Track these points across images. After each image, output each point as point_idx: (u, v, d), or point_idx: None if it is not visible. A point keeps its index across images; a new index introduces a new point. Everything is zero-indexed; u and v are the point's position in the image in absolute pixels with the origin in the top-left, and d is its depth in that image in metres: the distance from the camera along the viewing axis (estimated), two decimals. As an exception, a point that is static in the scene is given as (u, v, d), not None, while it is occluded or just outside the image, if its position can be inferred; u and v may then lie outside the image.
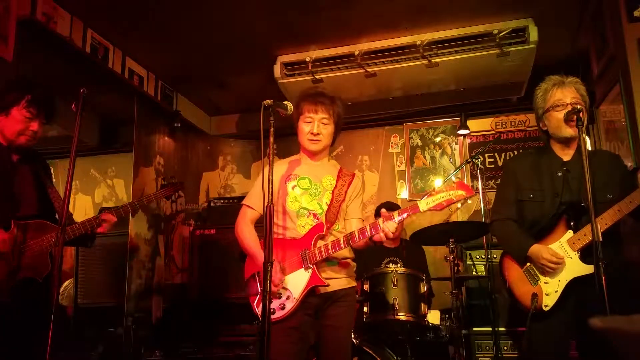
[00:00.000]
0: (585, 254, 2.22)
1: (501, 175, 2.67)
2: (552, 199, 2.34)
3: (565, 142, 2.39)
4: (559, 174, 2.35)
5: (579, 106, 2.24)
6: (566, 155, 2.40)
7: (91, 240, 2.60)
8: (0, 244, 2.20)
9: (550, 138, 2.45)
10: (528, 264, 2.34)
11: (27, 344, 2.06)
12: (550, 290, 2.26)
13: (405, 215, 2.13)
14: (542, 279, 2.29)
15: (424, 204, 2.09)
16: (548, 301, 2.25)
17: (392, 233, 2.11)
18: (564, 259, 2.25)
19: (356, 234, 2.15)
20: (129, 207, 2.60)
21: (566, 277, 2.24)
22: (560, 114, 2.33)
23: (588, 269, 2.17)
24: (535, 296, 2.25)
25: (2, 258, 2.22)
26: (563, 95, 2.35)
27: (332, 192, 2.34)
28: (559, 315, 2.24)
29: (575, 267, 2.24)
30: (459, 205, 2.23)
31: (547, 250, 2.26)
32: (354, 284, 2.38)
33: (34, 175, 2.49)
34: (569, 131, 2.32)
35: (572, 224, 2.28)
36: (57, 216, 2.48)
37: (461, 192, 2.06)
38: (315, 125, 2.32)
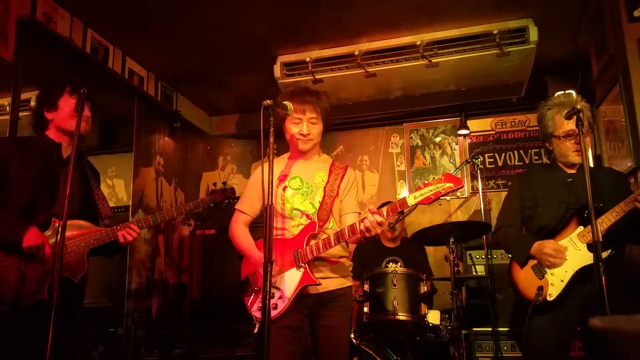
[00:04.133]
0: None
1: (508, 188, 2.75)
2: (558, 205, 2.42)
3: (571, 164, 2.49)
4: (566, 183, 2.45)
5: (579, 106, 2.25)
6: (571, 169, 2.50)
7: (116, 251, 2.54)
8: (38, 248, 2.17)
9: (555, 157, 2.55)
10: (534, 261, 2.38)
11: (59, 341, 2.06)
12: (556, 280, 2.30)
13: (395, 214, 2.11)
14: (549, 271, 2.33)
15: (412, 198, 2.07)
16: (552, 291, 2.29)
17: (377, 228, 2.06)
18: (566, 249, 2.31)
19: (346, 231, 2.13)
20: (168, 215, 2.53)
21: (573, 267, 2.28)
22: (570, 144, 2.42)
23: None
24: (540, 289, 2.29)
25: (39, 256, 2.21)
26: (573, 124, 2.36)
27: (324, 188, 2.32)
28: (563, 308, 2.27)
29: (582, 257, 2.28)
30: (448, 198, 2.22)
31: (550, 242, 2.34)
32: (349, 283, 2.36)
33: (81, 175, 2.48)
34: (576, 159, 2.43)
35: (584, 220, 2.34)
36: (100, 218, 2.47)
37: (449, 185, 2.03)
38: (304, 126, 2.30)
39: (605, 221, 2.24)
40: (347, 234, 2.13)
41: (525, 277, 2.40)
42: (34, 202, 2.29)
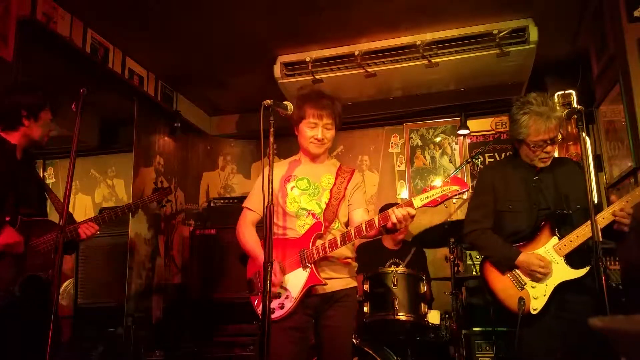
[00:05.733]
0: (571, 259, 2.30)
1: (476, 184, 2.72)
2: (530, 209, 2.42)
3: None
4: (533, 184, 2.45)
5: (578, 107, 2.26)
6: (537, 168, 2.48)
7: (72, 248, 2.64)
8: (14, 245, 2.24)
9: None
10: (514, 269, 2.38)
11: (35, 340, 2.09)
12: (539, 294, 2.31)
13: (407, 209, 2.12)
14: (529, 283, 2.33)
15: (418, 201, 2.08)
16: (537, 305, 2.30)
17: (408, 220, 2.06)
18: (551, 263, 2.31)
19: (352, 232, 2.15)
20: (113, 214, 2.64)
21: (553, 281, 2.30)
22: (539, 152, 2.39)
23: (574, 273, 2.26)
24: (522, 300, 2.28)
25: (12, 255, 2.27)
26: (548, 135, 2.34)
27: (331, 190, 2.34)
28: (545, 319, 2.29)
29: (562, 272, 2.30)
30: (454, 200, 2.23)
31: (536, 257, 2.32)
32: (354, 284, 2.37)
33: (35, 175, 2.57)
34: (540, 165, 2.42)
35: (555, 230, 2.34)
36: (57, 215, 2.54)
37: (455, 187, 2.05)
38: (320, 131, 2.33)
39: (579, 238, 2.26)
40: (353, 235, 2.14)
41: (504, 287, 2.38)
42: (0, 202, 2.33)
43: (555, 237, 2.33)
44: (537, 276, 2.30)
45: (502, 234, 2.47)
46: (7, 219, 2.30)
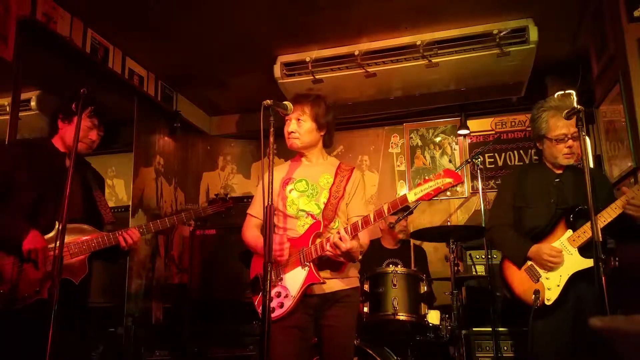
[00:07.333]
0: (584, 250, 2.33)
1: (499, 185, 2.79)
2: (548, 206, 2.47)
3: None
4: (555, 184, 2.51)
5: (579, 106, 2.27)
6: (558, 170, 2.55)
7: (118, 257, 2.58)
8: (39, 250, 2.22)
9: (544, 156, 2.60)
10: (529, 262, 2.42)
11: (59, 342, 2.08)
12: (552, 285, 2.34)
13: (395, 211, 2.13)
14: (544, 275, 2.37)
15: (412, 195, 2.07)
16: (550, 295, 2.32)
17: (339, 247, 2.09)
18: (562, 251, 2.35)
19: (349, 229, 2.14)
20: (160, 224, 2.58)
21: (567, 272, 2.33)
22: (562, 146, 2.45)
23: (587, 263, 2.28)
24: (537, 292, 2.32)
25: (41, 259, 2.25)
26: (568, 129, 2.42)
27: (330, 189, 2.34)
28: (561, 310, 2.31)
29: (575, 262, 2.34)
30: (448, 193, 2.21)
31: (547, 246, 2.38)
32: (356, 284, 2.37)
33: (82, 181, 2.54)
34: (565, 162, 2.48)
35: (571, 223, 2.39)
36: (104, 224, 2.53)
37: (449, 180, 2.02)
38: (290, 124, 2.35)
39: (600, 222, 2.27)
40: (350, 232, 2.14)
41: (520, 280, 2.42)
42: (39, 207, 2.33)
43: (570, 230, 2.38)
44: (549, 265, 2.34)
45: (521, 230, 2.53)
46: (45, 223, 2.29)
